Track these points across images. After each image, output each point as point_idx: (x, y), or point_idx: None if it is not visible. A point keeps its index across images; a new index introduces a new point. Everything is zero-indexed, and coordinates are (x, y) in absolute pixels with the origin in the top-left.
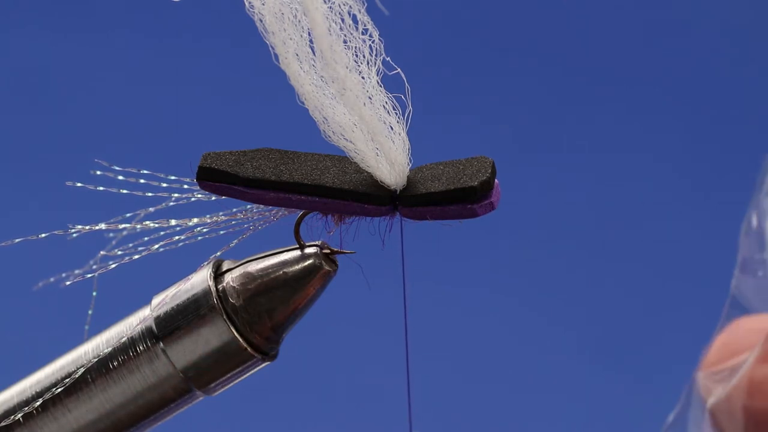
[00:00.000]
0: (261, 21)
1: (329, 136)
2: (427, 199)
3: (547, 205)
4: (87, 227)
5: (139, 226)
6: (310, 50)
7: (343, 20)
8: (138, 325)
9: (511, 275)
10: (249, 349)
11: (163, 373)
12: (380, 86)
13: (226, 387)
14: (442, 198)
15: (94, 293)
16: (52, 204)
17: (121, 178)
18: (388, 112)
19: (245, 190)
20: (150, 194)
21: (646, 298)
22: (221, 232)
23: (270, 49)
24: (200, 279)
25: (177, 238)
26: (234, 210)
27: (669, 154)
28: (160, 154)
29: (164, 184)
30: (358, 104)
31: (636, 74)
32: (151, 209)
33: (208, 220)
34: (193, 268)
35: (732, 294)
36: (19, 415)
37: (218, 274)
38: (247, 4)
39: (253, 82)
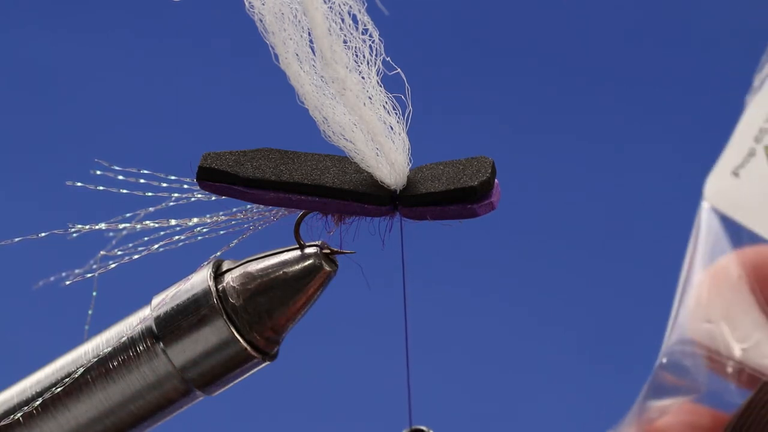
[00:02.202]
0: (261, 21)
1: (329, 136)
2: (427, 199)
3: (547, 205)
4: (87, 227)
5: (139, 226)
6: (310, 50)
7: (343, 20)
8: (138, 325)
9: (511, 275)
10: (249, 349)
11: (162, 373)
12: (380, 86)
13: (226, 387)
14: (442, 198)
15: (94, 293)
16: (52, 204)
17: (121, 178)
18: (388, 112)
19: (245, 190)
20: (150, 194)
21: (647, 297)
22: (221, 232)
23: (270, 49)
24: (200, 279)
25: (177, 238)
26: (234, 210)
27: (670, 153)
28: (160, 154)
29: (164, 184)
30: (358, 104)
31: (637, 75)
32: (151, 209)
33: (208, 220)
34: (193, 268)
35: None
36: (19, 415)
37: (218, 274)
38: (247, 4)
39: (253, 83)
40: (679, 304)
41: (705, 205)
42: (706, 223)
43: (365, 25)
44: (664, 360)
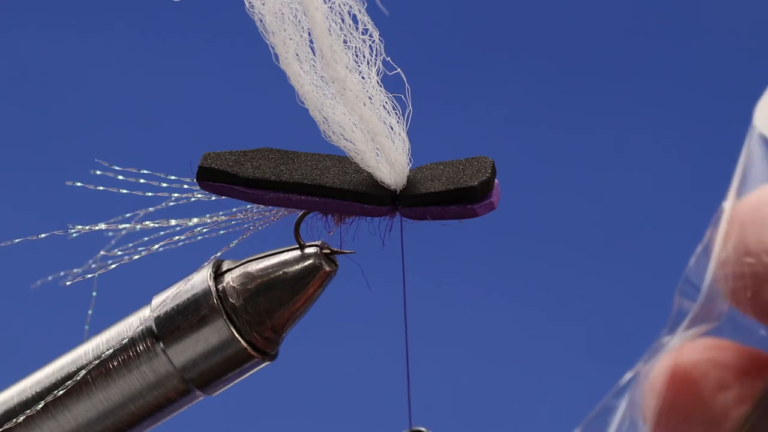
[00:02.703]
0: (261, 21)
1: (329, 136)
2: (427, 199)
3: (547, 204)
4: (87, 227)
5: (139, 226)
6: (310, 50)
7: (343, 20)
8: (138, 325)
9: (510, 275)
10: (249, 349)
11: (162, 373)
12: (380, 86)
13: (226, 387)
14: (442, 198)
15: (94, 293)
16: (52, 204)
17: (121, 178)
18: (388, 112)
19: (245, 190)
20: (150, 194)
21: (647, 296)
22: (221, 232)
23: (270, 49)
24: (200, 279)
25: (177, 238)
26: (234, 210)
27: (672, 153)
28: (160, 154)
29: (164, 184)
30: (358, 104)
31: (637, 75)
32: (151, 209)
33: (208, 220)
34: (193, 268)
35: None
36: (21, 418)
37: (218, 275)
38: (247, 4)
39: (254, 82)
40: (718, 233)
41: (754, 133)
42: (755, 150)
43: (365, 25)
44: (705, 293)
